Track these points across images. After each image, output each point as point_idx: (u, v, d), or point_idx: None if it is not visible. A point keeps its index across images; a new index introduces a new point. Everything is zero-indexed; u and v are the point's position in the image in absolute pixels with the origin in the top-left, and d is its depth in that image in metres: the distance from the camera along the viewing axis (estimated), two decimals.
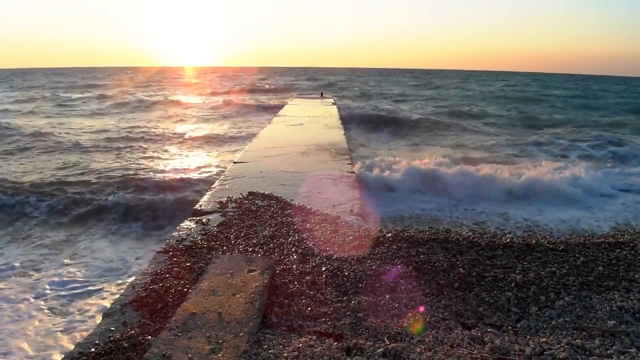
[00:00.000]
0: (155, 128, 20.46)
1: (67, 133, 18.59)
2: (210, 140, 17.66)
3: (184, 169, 12.55)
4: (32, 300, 5.61)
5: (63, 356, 2.70)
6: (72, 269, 6.46)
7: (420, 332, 2.93)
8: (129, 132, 19.15)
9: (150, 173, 11.76)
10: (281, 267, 3.82)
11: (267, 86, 49.85)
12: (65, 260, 6.75)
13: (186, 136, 18.51)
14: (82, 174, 11.62)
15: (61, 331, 4.97)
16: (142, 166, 12.74)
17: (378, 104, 28.39)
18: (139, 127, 20.67)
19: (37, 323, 5.12)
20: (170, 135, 18.64)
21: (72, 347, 2.95)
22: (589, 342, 2.73)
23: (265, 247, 4.25)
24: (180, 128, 20.97)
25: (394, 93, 42.96)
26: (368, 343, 2.71)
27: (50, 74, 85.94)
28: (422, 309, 3.19)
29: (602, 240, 4.62)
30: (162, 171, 12.23)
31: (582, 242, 4.52)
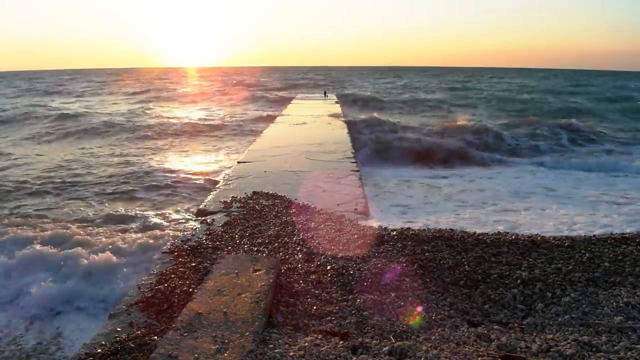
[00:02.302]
0: None
1: None
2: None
3: None
4: None
5: (70, 357, 2.71)
6: None
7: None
8: None
9: None
10: (286, 266, 3.82)
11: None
12: None
13: None
14: None
15: None
16: None
17: None
18: None
19: None
20: None
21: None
22: (595, 339, 2.72)
23: (270, 247, 4.26)
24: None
25: None
26: (374, 341, 2.71)
27: (33, 77, 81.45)
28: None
29: (607, 236, 4.61)
30: None
31: (587, 238, 4.50)
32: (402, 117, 24.09)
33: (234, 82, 55.46)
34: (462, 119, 19.38)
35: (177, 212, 8.86)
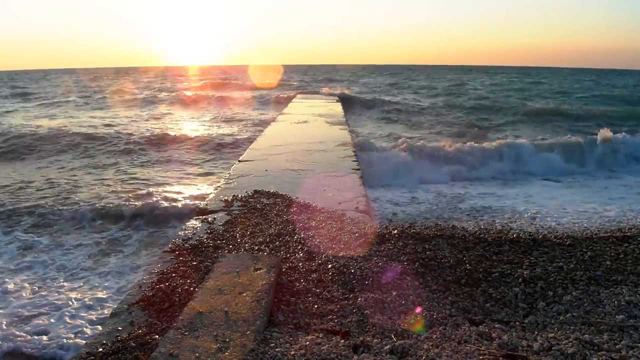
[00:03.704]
0: None
1: None
2: None
3: None
4: None
5: (72, 356, 2.71)
6: None
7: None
8: None
9: None
10: (287, 265, 3.82)
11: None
12: None
13: None
14: None
15: None
16: None
17: None
18: None
19: None
20: None
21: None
22: (597, 337, 2.72)
23: (271, 245, 4.26)
24: None
25: None
26: (375, 340, 2.71)
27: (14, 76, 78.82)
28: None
29: (609, 234, 4.61)
30: None
31: (589, 237, 4.50)
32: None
33: (205, 82, 51.88)
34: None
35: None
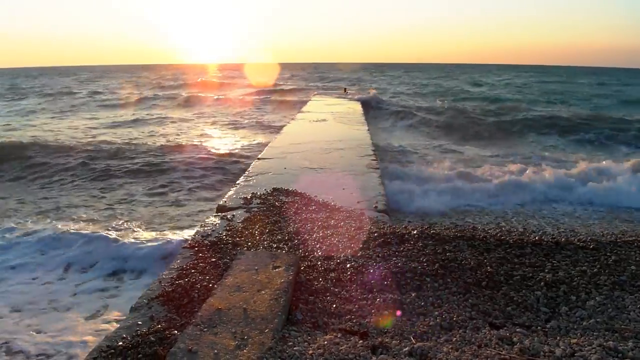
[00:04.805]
0: None
1: None
2: None
3: None
4: None
5: (92, 349, 2.75)
6: None
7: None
8: None
9: None
10: (306, 263, 3.81)
11: None
12: None
13: None
14: None
15: None
16: None
17: None
18: None
19: None
20: None
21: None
22: (621, 344, 2.65)
23: (289, 244, 4.26)
24: None
25: None
26: (394, 341, 2.69)
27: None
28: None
29: (634, 238, 4.50)
30: None
31: (613, 241, 4.40)
32: None
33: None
34: None
35: None
